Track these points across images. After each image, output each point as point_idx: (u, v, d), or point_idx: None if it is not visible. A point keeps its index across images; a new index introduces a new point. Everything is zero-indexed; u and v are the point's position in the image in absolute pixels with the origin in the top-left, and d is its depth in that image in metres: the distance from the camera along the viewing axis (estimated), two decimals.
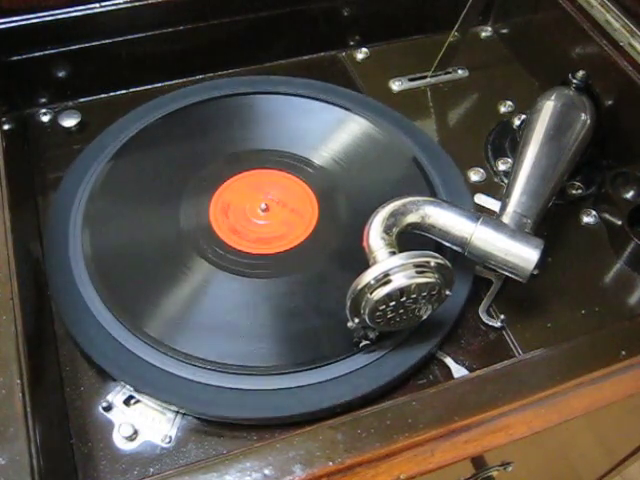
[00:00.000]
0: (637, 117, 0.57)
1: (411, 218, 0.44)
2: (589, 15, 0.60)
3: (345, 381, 0.44)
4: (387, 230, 0.43)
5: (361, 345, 0.45)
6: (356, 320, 0.42)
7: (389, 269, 0.40)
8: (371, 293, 0.40)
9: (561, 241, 0.55)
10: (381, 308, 0.40)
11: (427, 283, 0.40)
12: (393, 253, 0.42)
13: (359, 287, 0.40)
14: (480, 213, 0.46)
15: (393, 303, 0.40)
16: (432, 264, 0.40)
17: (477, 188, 0.58)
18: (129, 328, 0.45)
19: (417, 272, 0.40)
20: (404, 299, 0.40)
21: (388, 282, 0.40)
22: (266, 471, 0.34)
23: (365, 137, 0.58)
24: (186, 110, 0.59)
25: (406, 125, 0.60)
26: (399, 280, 0.40)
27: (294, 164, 0.56)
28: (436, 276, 0.40)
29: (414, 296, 0.40)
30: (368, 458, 0.35)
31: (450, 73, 0.68)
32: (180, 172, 0.55)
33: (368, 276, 0.40)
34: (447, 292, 0.42)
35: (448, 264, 0.41)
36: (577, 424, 0.46)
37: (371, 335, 0.44)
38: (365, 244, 0.43)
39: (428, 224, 0.45)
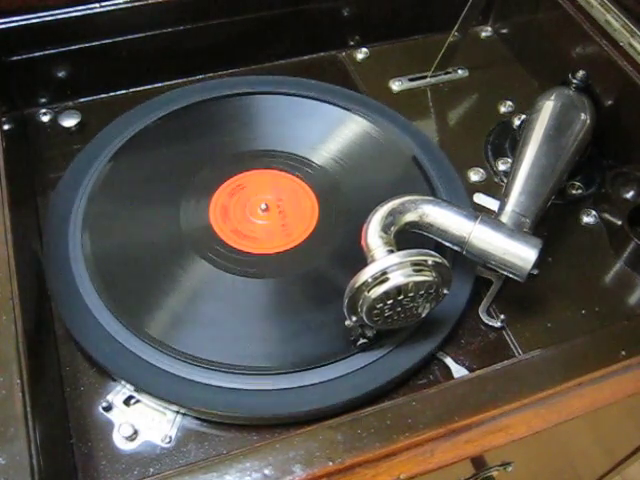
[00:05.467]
0: (637, 117, 0.57)
1: (409, 217, 0.44)
2: (589, 15, 0.60)
3: (345, 381, 0.44)
4: (385, 229, 0.43)
5: (358, 343, 0.45)
6: (354, 318, 0.42)
7: (386, 267, 0.40)
8: (368, 291, 0.40)
9: (561, 241, 0.55)
10: (378, 306, 0.40)
11: (424, 281, 0.40)
12: (391, 251, 0.42)
13: (356, 285, 0.40)
14: (479, 212, 0.46)
15: (390, 301, 0.40)
16: (430, 262, 0.40)
17: (477, 188, 0.58)
18: (129, 328, 0.45)
19: (414, 270, 0.40)
20: (401, 297, 0.40)
21: (385, 280, 0.40)
22: (266, 471, 0.34)
23: (365, 137, 0.58)
24: (186, 110, 0.59)
25: (405, 125, 0.60)
26: (396, 278, 0.39)
27: (294, 164, 0.56)
28: (434, 275, 0.40)
29: (411, 294, 0.40)
30: (368, 458, 0.35)
31: (450, 73, 0.68)
32: (180, 172, 0.55)
33: (365, 274, 0.40)
34: (445, 291, 0.42)
35: (446, 263, 0.41)
36: (577, 424, 0.46)
37: (369, 333, 0.44)
38: (363, 243, 0.43)
39: (426, 223, 0.45)
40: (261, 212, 0.53)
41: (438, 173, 0.56)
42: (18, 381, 0.35)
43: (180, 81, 0.66)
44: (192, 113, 0.59)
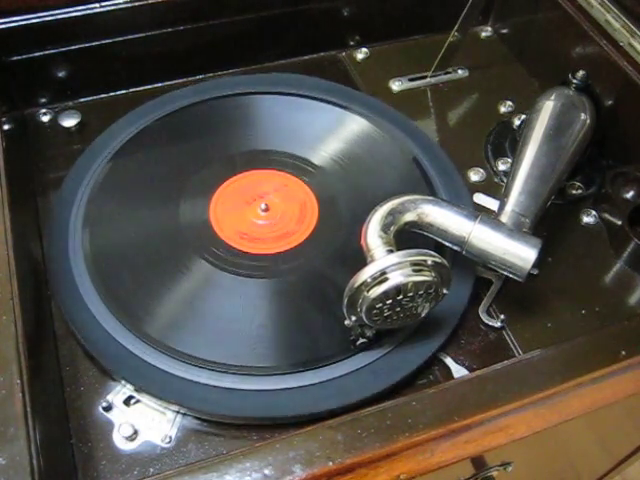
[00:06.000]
0: (637, 117, 0.57)
1: (409, 216, 0.44)
2: (589, 15, 0.60)
3: (345, 381, 0.44)
4: (385, 229, 0.43)
5: (358, 343, 0.45)
6: (353, 318, 0.42)
7: (386, 267, 0.40)
8: (368, 291, 0.40)
9: (561, 241, 0.55)
10: (378, 306, 0.40)
11: (424, 281, 0.40)
12: (391, 251, 0.42)
13: (356, 285, 0.40)
14: (478, 212, 0.46)
15: (390, 301, 0.40)
16: (429, 262, 0.40)
17: (477, 188, 0.58)
18: (129, 328, 0.45)
19: (414, 270, 0.40)
20: (401, 297, 0.40)
21: (385, 280, 0.40)
22: (266, 471, 0.34)
23: (365, 137, 0.58)
24: (186, 110, 0.59)
25: (406, 125, 0.60)
26: (396, 278, 0.40)
27: (294, 164, 0.56)
28: (433, 274, 0.40)
29: (411, 294, 0.40)
30: (368, 458, 0.35)
31: (450, 73, 0.68)
32: (180, 172, 0.55)
33: (365, 274, 0.40)
34: (444, 291, 0.42)
35: (445, 263, 0.41)
36: (577, 424, 0.46)
37: (368, 333, 0.44)
38: (363, 242, 0.43)
39: (426, 223, 0.45)
40: (261, 212, 0.53)
41: (439, 173, 0.56)
42: (18, 381, 0.35)
43: (180, 81, 0.66)
44: (192, 113, 0.59)
